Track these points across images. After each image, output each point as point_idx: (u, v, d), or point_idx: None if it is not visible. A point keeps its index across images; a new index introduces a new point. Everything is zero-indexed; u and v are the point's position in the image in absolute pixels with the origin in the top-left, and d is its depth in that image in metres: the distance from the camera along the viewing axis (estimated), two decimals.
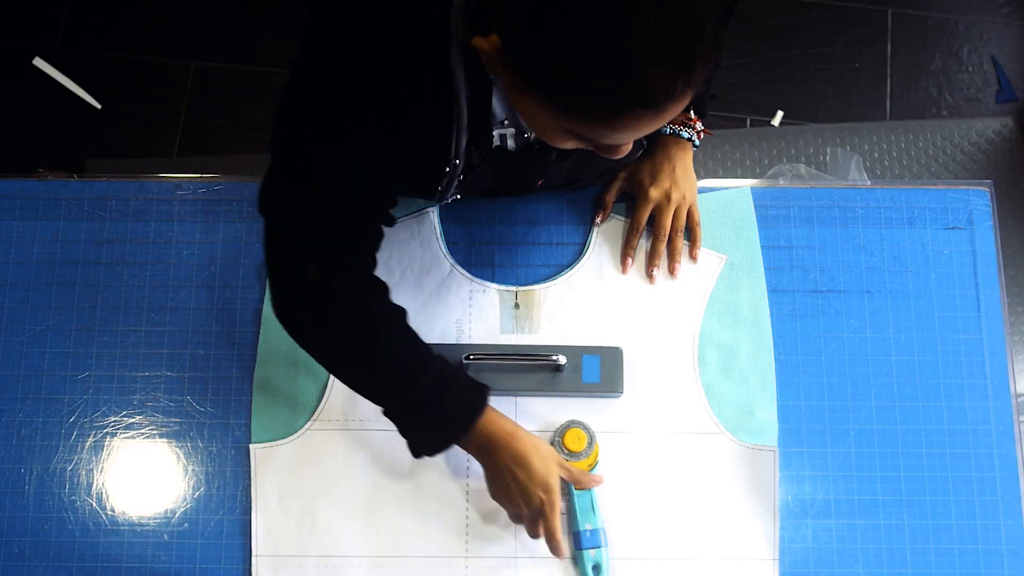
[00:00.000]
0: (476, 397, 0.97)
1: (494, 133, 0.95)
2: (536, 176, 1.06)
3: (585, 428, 1.07)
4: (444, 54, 0.84)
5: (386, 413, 0.97)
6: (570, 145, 0.82)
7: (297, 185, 0.89)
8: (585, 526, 1.04)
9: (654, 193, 1.14)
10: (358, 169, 0.88)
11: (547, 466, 0.98)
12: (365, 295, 0.95)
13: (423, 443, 0.97)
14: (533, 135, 0.97)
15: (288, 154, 0.89)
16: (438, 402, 0.95)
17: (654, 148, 1.16)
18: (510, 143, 0.97)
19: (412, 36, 0.84)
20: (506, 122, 0.95)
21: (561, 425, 1.07)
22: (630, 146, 0.82)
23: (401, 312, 0.97)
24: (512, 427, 0.98)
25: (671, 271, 1.15)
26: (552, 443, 1.06)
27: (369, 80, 0.84)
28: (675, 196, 1.15)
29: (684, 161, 1.15)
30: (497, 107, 0.92)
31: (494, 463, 0.98)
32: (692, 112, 1.16)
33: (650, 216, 1.16)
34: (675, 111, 0.74)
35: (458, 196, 1.01)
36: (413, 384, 0.94)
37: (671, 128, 1.14)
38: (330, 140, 0.86)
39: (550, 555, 1.04)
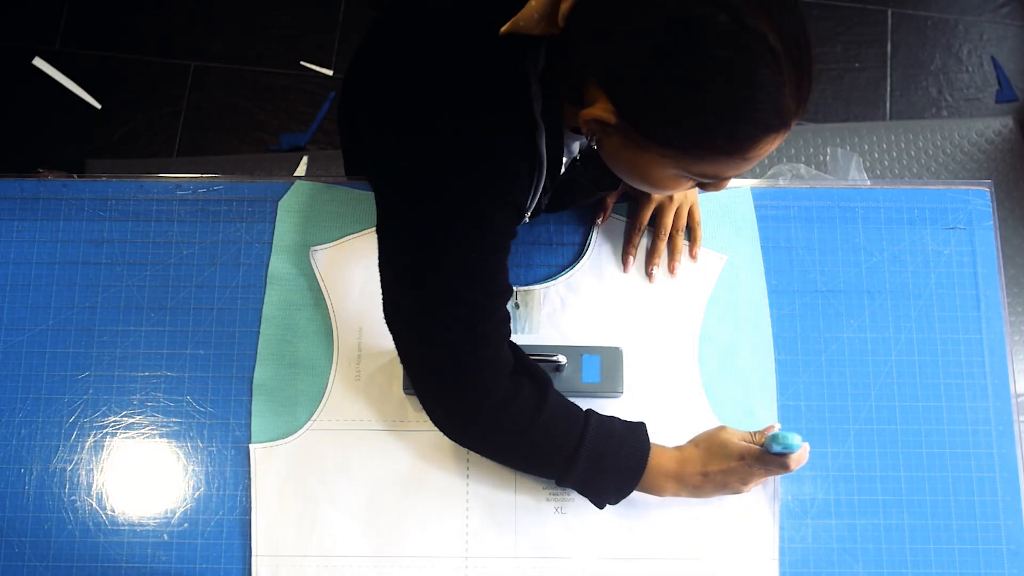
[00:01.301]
0: (638, 441, 0.99)
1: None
2: (580, 198, 1.09)
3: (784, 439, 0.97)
4: (529, 114, 0.87)
5: (559, 482, 1.00)
6: (684, 189, 0.87)
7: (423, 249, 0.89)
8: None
9: (656, 193, 1.15)
10: (488, 235, 0.89)
11: (721, 445, 1.00)
12: (514, 387, 0.96)
13: (603, 501, 1.01)
14: (580, 155, 1.02)
15: (415, 238, 0.89)
16: (607, 463, 0.98)
17: None
18: (562, 169, 1.01)
19: (504, 102, 0.87)
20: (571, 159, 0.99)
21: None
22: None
23: (546, 381, 0.99)
24: (676, 451, 1.01)
25: (671, 270, 1.15)
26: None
27: (486, 146, 0.86)
28: (676, 195, 1.15)
29: None
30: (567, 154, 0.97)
31: (689, 485, 1.01)
32: None
33: (652, 215, 1.16)
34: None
35: (527, 221, 1.04)
36: (576, 461, 0.96)
37: None
38: (467, 220, 0.87)
39: (550, 555, 1.04)
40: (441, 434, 0.99)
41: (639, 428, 1.01)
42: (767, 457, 0.97)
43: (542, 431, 0.96)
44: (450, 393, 0.95)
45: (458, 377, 0.93)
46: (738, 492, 1.02)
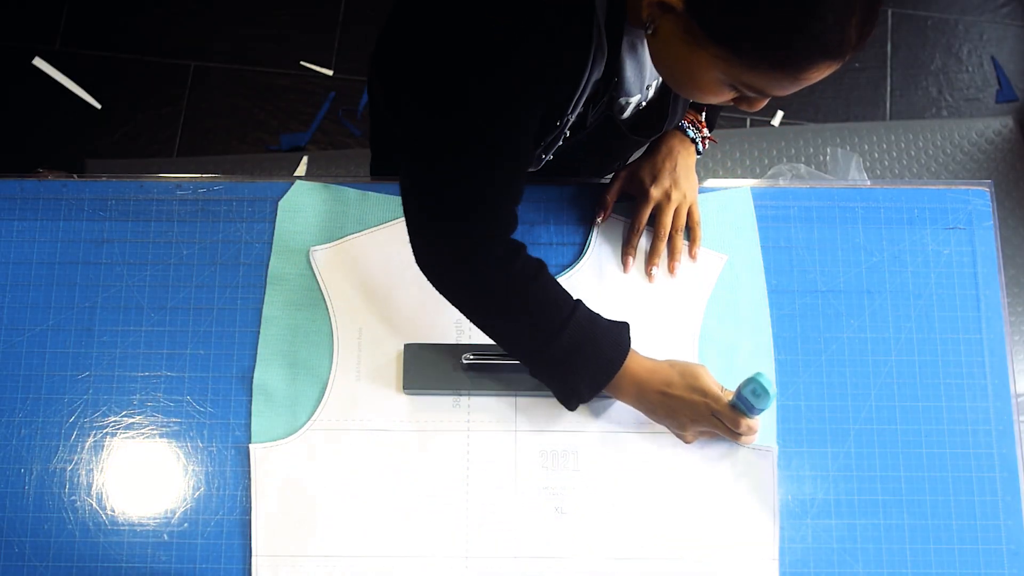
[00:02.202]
0: (621, 338, 1.01)
1: (620, 100, 0.99)
2: (618, 159, 1.09)
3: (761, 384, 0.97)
4: (590, 17, 0.87)
5: (533, 372, 1.02)
6: (723, 99, 0.86)
7: (447, 118, 0.90)
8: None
9: (655, 192, 1.14)
10: (505, 104, 0.88)
11: (694, 375, 1.01)
12: (511, 254, 0.98)
13: (574, 393, 1.01)
14: (646, 103, 1.02)
15: (437, 88, 0.89)
16: (588, 348, 0.99)
17: (656, 147, 1.16)
18: (628, 111, 1.01)
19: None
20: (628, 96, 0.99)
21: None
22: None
23: (540, 265, 1.00)
24: (652, 362, 1.02)
25: (670, 270, 1.15)
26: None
27: (520, 15, 0.85)
28: (675, 195, 1.15)
29: (685, 161, 1.16)
30: (630, 72, 0.95)
31: (646, 398, 1.02)
32: (703, 116, 1.17)
33: (651, 215, 1.16)
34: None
35: (550, 158, 1.03)
36: (561, 333, 0.98)
37: (680, 123, 1.15)
38: (483, 70, 0.86)
39: (550, 555, 1.04)
40: (441, 434, 0.99)
41: (624, 326, 1.02)
42: (725, 408, 0.99)
43: (533, 299, 0.98)
44: (452, 223, 0.95)
45: (466, 209, 0.94)
46: (683, 432, 1.04)
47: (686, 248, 1.17)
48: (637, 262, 1.16)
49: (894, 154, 2.16)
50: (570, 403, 1.03)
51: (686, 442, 1.07)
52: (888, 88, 2.25)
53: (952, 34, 2.30)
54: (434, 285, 1.01)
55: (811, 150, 2.16)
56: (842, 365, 1.13)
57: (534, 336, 0.99)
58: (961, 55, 2.28)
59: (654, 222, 1.16)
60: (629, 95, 0.99)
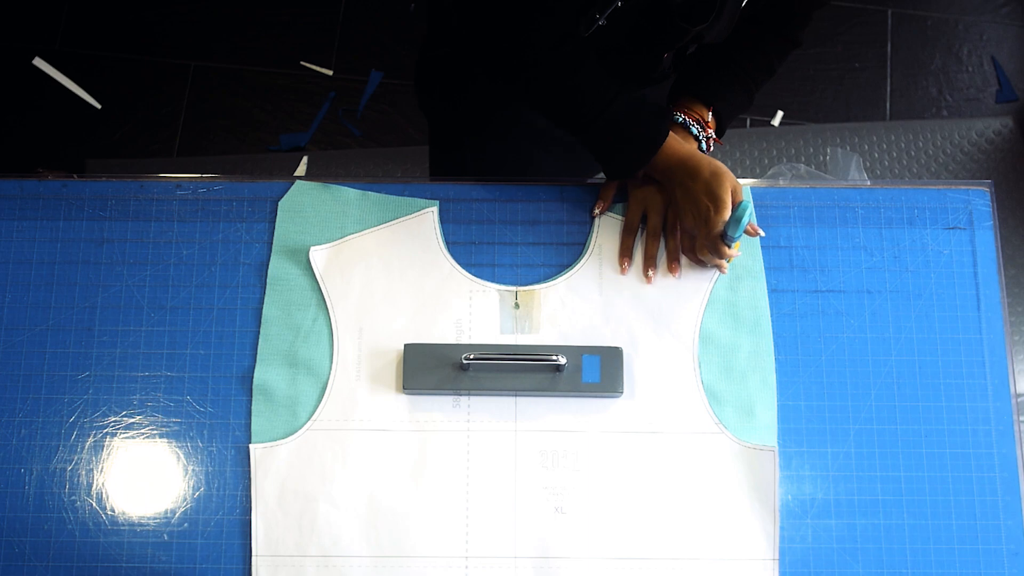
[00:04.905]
0: (661, 122, 1.10)
1: None
2: (670, 44, 1.13)
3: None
4: None
5: (583, 141, 1.12)
6: None
7: None
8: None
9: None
10: None
11: (719, 180, 1.07)
12: (563, 38, 1.06)
13: (620, 166, 1.12)
14: None
15: None
16: (633, 123, 1.09)
17: None
18: None
19: None
20: None
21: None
22: None
23: (589, 49, 1.09)
24: (689, 149, 1.11)
25: (671, 270, 1.15)
26: None
27: None
28: (663, 198, 1.15)
29: None
30: None
31: (672, 179, 1.10)
32: (710, 114, 1.17)
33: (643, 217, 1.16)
34: None
35: (604, 22, 1.07)
36: (609, 108, 1.08)
37: (683, 118, 1.15)
38: None
39: (550, 555, 1.04)
40: (441, 434, 0.99)
41: (663, 111, 1.14)
42: (714, 228, 1.06)
43: (586, 75, 1.08)
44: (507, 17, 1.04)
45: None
46: (683, 225, 1.12)
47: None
48: (635, 264, 1.16)
49: (894, 154, 2.16)
50: (615, 173, 1.14)
51: (679, 231, 1.14)
52: (888, 88, 2.25)
53: (952, 34, 2.30)
54: (502, 79, 1.11)
55: (811, 150, 2.16)
56: (842, 365, 1.13)
57: (585, 107, 1.08)
58: (961, 55, 2.28)
59: (646, 223, 1.16)
60: None
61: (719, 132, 1.19)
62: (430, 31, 1.32)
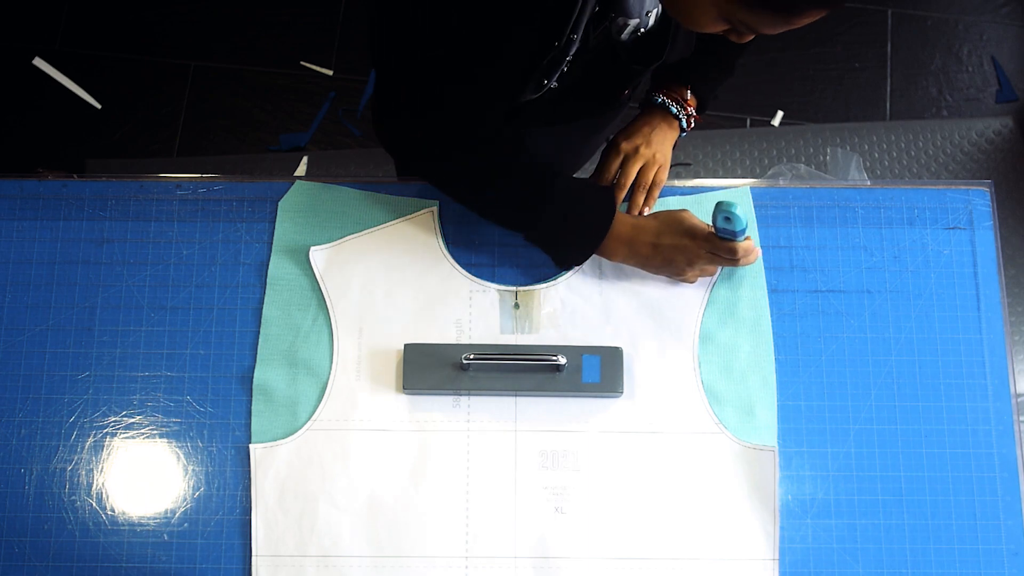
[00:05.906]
0: (606, 203, 1.08)
1: (619, 20, 1.02)
2: (624, 84, 1.12)
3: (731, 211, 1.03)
4: None
5: (527, 237, 1.11)
6: (716, 29, 0.90)
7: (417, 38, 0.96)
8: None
9: (624, 145, 1.19)
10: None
11: (677, 221, 1.07)
12: (492, 136, 1.06)
13: (565, 260, 1.12)
14: (645, 30, 1.05)
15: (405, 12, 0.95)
16: (576, 216, 1.07)
17: (636, 117, 1.21)
18: (626, 33, 1.04)
19: None
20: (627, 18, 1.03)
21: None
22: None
23: (520, 140, 1.08)
24: (635, 219, 1.10)
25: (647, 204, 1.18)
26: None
27: None
28: (644, 151, 1.18)
29: (663, 132, 1.20)
30: None
31: (638, 252, 1.09)
32: (690, 92, 1.18)
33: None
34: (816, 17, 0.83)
35: (555, 85, 1.05)
36: (550, 203, 1.06)
37: (662, 98, 1.17)
38: None
39: (550, 555, 1.04)
40: (441, 434, 0.99)
41: (607, 191, 1.11)
42: (716, 241, 1.04)
43: (516, 174, 1.06)
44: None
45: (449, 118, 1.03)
46: (683, 275, 1.09)
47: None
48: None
49: (894, 154, 2.16)
50: (565, 267, 1.13)
51: (689, 282, 1.12)
52: (888, 88, 2.25)
53: (952, 34, 2.30)
54: (433, 183, 1.11)
55: (811, 150, 2.16)
56: (842, 365, 1.13)
57: (520, 212, 1.07)
58: (961, 55, 2.28)
59: (619, 175, 1.18)
60: (628, 16, 1.02)
61: (701, 108, 1.20)
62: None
